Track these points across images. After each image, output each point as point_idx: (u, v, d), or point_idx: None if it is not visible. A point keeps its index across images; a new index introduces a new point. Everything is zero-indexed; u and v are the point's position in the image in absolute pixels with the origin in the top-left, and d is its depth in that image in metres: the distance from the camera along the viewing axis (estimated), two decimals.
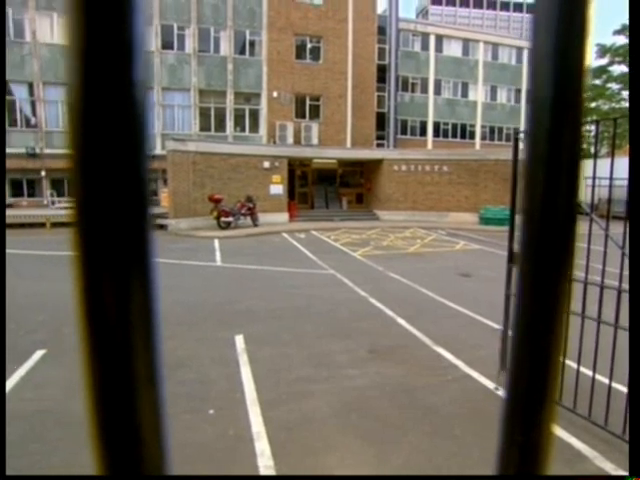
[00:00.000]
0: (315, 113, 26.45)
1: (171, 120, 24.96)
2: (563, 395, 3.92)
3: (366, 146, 27.03)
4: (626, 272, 2.68)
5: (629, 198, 2.33)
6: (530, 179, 0.34)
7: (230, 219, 17.82)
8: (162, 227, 18.01)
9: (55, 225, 18.86)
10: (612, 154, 3.68)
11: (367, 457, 3.54)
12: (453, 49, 33.51)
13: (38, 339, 5.98)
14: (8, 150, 22.89)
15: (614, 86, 35.56)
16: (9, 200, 23.40)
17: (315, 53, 26.30)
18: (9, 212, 20.61)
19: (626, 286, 2.75)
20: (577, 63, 0.32)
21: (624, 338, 2.74)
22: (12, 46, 22.89)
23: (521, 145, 4.68)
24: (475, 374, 5.01)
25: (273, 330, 6.41)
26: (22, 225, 18.62)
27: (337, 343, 5.93)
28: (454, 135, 33.96)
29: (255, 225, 18.48)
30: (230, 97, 25.31)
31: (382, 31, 29.44)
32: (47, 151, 23.43)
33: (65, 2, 0.26)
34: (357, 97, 27.52)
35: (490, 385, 4.72)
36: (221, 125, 25.47)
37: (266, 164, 19.97)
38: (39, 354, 5.47)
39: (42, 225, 18.76)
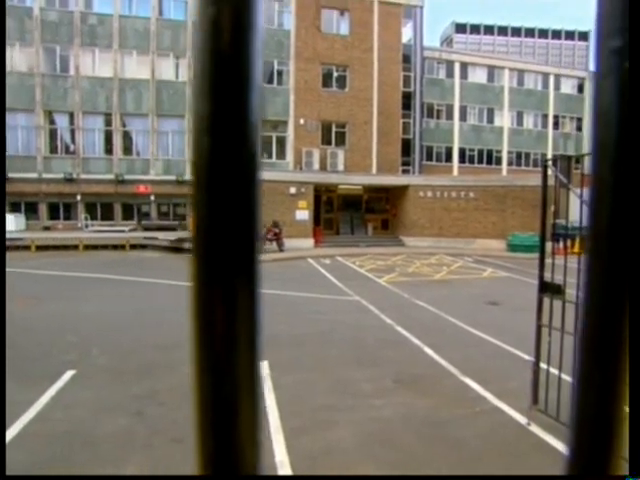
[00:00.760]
0: (341, 140, 26.85)
1: None
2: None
3: (391, 172, 27.13)
4: None
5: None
6: (596, 205, 0.34)
7: None
8: (190, 251, 18.35)
9: (87, 247, 19.50)
10: None
11: None
12: (478, 76, 33.67)
13: (68, 360, 6.12)
14: (49, 176, 24.01)
15: None
16: (46, 223, 24.37)
17: (341, 81, 26.89)
18: (46, 234, 21.46)
19: None
20: None
21: None
22: (57, 79, 24.31)
23: (549, 171, 4.63)
24: (505, 407, 4.84)
25: (297, 356, 6.39)
26: (57, 247, 19.30)
27: (362, 371, 5.85)
28: (480, 161, 33.75)
29: (281, 250, 18.63)
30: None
31: (407, 59, 29.91)
32: (83, 176, 24.45)
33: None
34: (382, 124, 27.83)
35: (521, 419, 4.55)
36: None
37: (292, 190, 20.26)
38: (69, 374, 5.60)
39: (75, 247, 19.42)
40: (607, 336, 0.34)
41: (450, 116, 33.02)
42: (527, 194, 20.16)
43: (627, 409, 0.36)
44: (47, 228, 24.03)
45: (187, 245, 18.87)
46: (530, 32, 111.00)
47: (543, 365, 4.42)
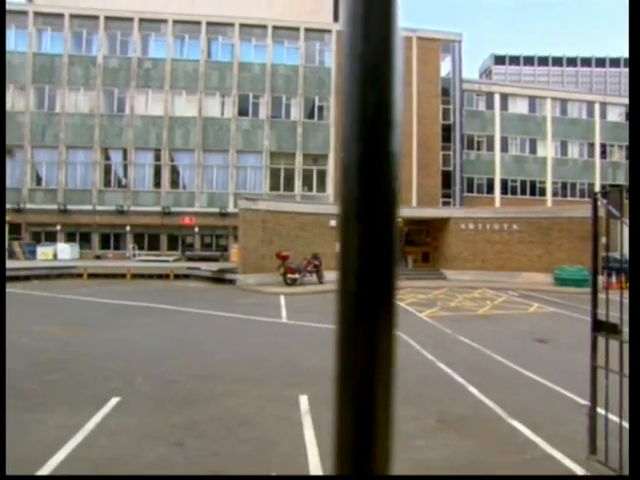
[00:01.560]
0: None
1: (244, 180, 26.64)
2: None
3: (432, 204, 26.90)
4: None
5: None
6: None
7: (296, 276, 18.12)
8: (231, 282, 18.71)
9: (134, 276, 20.25)
10: None
11: None
12: (519, 106, 33.30)
13: (113, 387, 6.29)
14: (102, 208, 25.40)
15: None
16: (98, 252, 25.63)
17: None
18: (97, 263, 22.53)
19: None
20: None
21: None
22: (113, 119, 26.12)
23: (599, 202, 4.47)
24: (558, 455, 4.52)
25: None
26: (107, 275, 20.17)
27: (403, 409, 5.66)
28: (523, 192, 32.93)
29: (321, 282, 18.62)
30: (299, 158, 26.67)
31: (446, 92, 30.08)
32: (133, 208, 25.73)
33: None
34: (422, 156, 27.86)
35: (578, 470, 4.23)
36: (290, 185, 26.70)
37: (332, 222, 20.40)
38: (114, 401, 5.74)
39: (123, 276, 20.22)
40: None
41: (491, 147, 32.65)
42: (574, 226, 19.38)
43: None
44: (98, 257, 25.25)
45: (228, 276, 19.25)
46: (572, 61, 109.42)
47: (600, 410, 4.14)
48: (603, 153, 34.21)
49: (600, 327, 4.30)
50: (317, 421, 5.22)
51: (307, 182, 26.84)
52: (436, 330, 10.60)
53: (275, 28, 26.77)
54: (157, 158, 26.41)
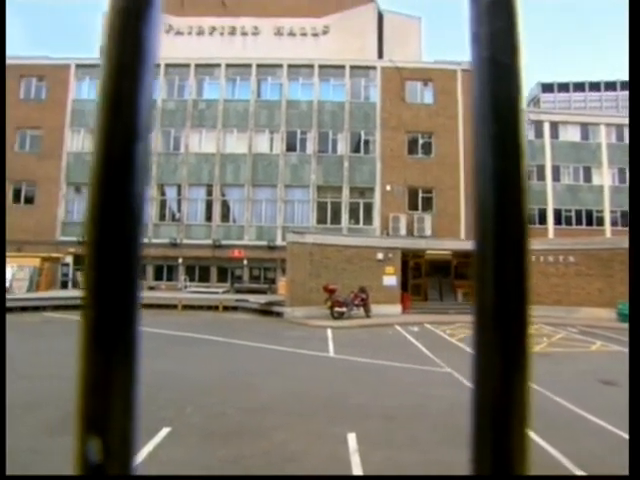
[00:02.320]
0: (428, 205, 26.77)
1: (291, 214, 27.19)
2: None
3: None
4: None
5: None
6: None
7: (343, 309, 18.01)
8: (278, 314, 18.87)
9: (185, 307, 20.88)
10: None
11: None
12: (570, 134, 32.20)
13: (164, 417, 6.41)
14: (157, 241, 26.60)
15: None
16: (151, 283, 26.71)
17: (426, 148, 27.30)
18: (150, 294, 23.45)
19: None
20: None
21: None
22: (169, 157, 27.73)
23: None
24: None
25: (386, 430, 6.08)
26: (159, 306, 20.91)
27: (456, 452, 5.38)
28: (578, 222, 31.34)
29: (368, 316, 18.39)
30: (346, 192, 26.98)
31: None
32: (185, 241, 26.80)
33: None
34: (471, 188, 27.37)
35: None
36: (337, 218, 26.95)
37: (379, 255, 20.27)
38: (165, 431, 5.84)
39: (175, 307, 20.89)
40: None
41: (542, 177, 31.57)
42: None
43: None
44: (152, 288, 26.29)
45: (276, 308, 19.42)
46: (626, 85, 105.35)
47: None
48: None
49: None
50: (366, 461, 5.07)
51: (354, 215, 26.99)
52: None
53: (321, 67, 27.78)
54: (209, 193, 27.56)
